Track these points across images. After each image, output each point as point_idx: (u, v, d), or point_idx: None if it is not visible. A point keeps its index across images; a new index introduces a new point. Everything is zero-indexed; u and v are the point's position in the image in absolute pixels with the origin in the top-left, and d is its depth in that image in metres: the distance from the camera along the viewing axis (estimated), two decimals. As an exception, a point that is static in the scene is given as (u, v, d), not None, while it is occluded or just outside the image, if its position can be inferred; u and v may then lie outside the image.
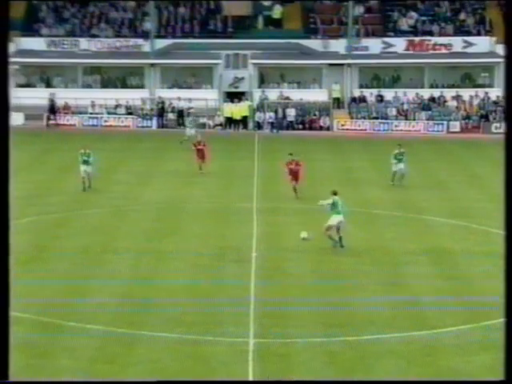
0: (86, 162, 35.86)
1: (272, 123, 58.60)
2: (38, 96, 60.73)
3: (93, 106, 60.55)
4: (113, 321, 21.53)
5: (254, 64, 62.35)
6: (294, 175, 36.38)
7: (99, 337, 20.65)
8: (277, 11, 66.29)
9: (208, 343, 20.15)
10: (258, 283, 24.57)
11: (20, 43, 64.09)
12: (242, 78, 62.90)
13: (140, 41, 64.38)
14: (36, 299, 23.06)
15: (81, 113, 60.80)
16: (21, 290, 23.68)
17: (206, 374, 18.32)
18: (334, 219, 27.79)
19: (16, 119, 59.65)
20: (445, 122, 58.14)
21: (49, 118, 60.12)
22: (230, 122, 59.61)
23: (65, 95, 61.23)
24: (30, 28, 65.99)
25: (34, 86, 63.77)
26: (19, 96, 62.23)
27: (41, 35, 65.42)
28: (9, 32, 8.14)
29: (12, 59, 63.50)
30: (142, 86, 63.44)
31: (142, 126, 59.68)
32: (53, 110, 60.28)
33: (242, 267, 26.28)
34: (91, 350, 19.75)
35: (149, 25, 64.75)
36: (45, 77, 64.58)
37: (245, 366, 18.57)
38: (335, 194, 28.58)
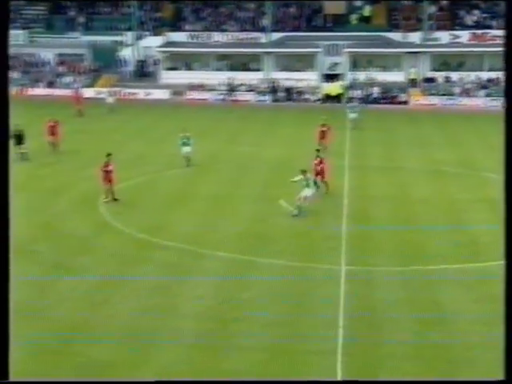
0: (185, 144, 33.14)
1: (361, 98, 58.16)
2: (181, 77, 62.08)
3: (221, 84, 61.32)
4: (236, 249, 21.79)
5: (348, 52, 62.07)
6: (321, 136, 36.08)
7: (226, 261, 20.93)
8: (366, 10, 66.37)
9: (309, 269, 20.21)
10: (348, 224, 24.48)
11: (169, 37, 65.61)
12: (338, 63, 62.89)
13: (258, 34, 65.03)
14: (180, 231, 23.54)
15: (212, 90, 61.39)
16: (168, 224, 24.29)
17: (308, 291, 18.40)
18: (308, 191, 25.10)
19: (164, 94, 60.90)
20: (500, 99, 56.46)
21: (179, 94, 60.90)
22: (327, 97, 59.76)
23: (201, 76, 62.29)
24: (176, 25, 67.34)
25: (179, 69, 64.65)
26: (167, 77, 63.47)
27: (184, 30, 66.76)
28: (9, 31, 7.45)
29: (163, 49, 64.97)
30: (259, 70, 63.77)
31: (259, 101, 60.04)
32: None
33: (336, 210, 26.18)
34: (220, 271, 20.05)
35: (265, 21, 65.41)
36: (187, 62, 65.39)
37: (337, 289, 18.58)
38: (304, 172, 25.36)
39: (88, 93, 59.14)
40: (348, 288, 18.53)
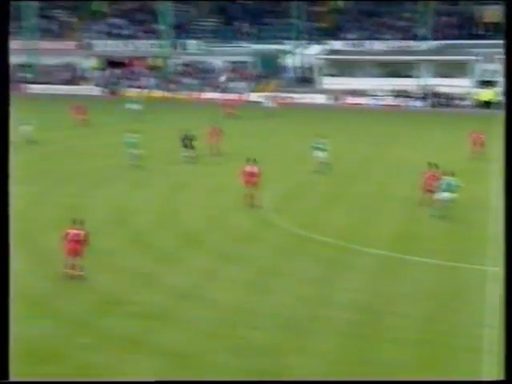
0: (319, 149, 31.25)
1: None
2: (339, 83, 62.15)
3: (377, 90, 60.64)
4: (388, 247, 21.48)
5: (501, 59, 59.28)
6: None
7: (379, 258, 20.68)
8: (523, 18, 62.72)
9: (459, 268, 19.58)
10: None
11: (329, 45, 66.01)
12: (491, 70, 60.40)
13: (415, 42, 64.01)
14: (334, 227, 23.53)
15: (369, 95, 60.82)
16: (324, 221, 24.34)
17: (458, 290, 17.83)
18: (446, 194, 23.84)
19: (323, 99, 61.11)
20: None
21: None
22: (480, 103, 57.59)
23: (359, 82, 61.93)
24: (335, 34, 67.49)
25: (338, 76, 64.60)
26: (326, 83, 63.64)
27: (344, 39, 66.81)
28: (9, 31, 6.58)
29: (323, 56, 65.26)
30: (414, 76, 62.44)
31: (412, 106, 58.88)
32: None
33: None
34: (373, 266, 19.85)
35: (422, 30, 64.18)
36: (345, 69, 65.23)
37: (484, 288, 17.86)
38: (451, 174, 23.97)
39: (251, 97, 60.43)
40: (494, 288, 17.74)
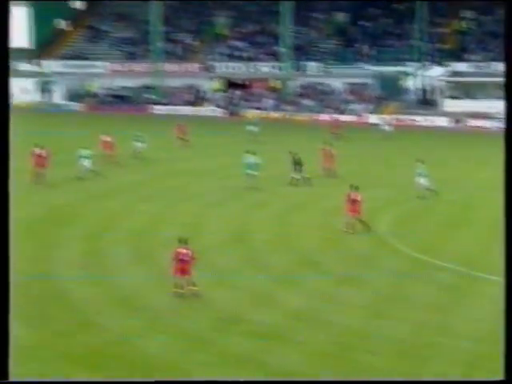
0: (420, 175, 30.66)
1: None
2: (462, 105, 60.69)
3: (500, 112, 58.38)
4: None
5: None
6: None
7: (500, 286, 19.76)
8: None
9: None
10: None
11: (452, 66, 64.66)
12: None
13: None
14: (454, 253, 22.78)
15: (494, 118, 58.84)
16: (443, 246, 23.64)
17: None
18: None
19: (444, 121, 59.58)
20: None
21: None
22: None
23: (483, 105, 60.24)
24: (460, 55, 66.10)
25: (460, 98, 63.00)
26: (449, 105, 62.17)
27: (468, 60, 65.31)
28: (9, 32, 5.75)
29: (445, 78, 63.93)
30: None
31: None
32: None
33: None
34: (497, 295, 19.01)
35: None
36: (469, 91, 63.57)
37: None
38: None
39: (370, 119, 59.91)
40: None
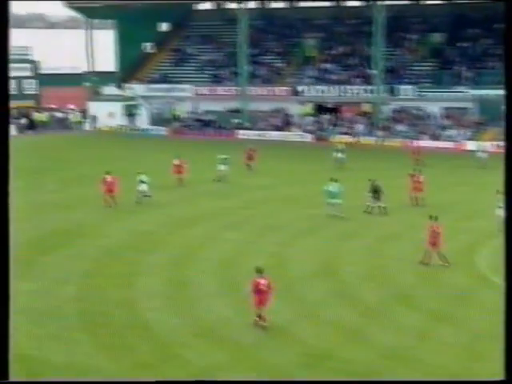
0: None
1: None
2: None
3: None
4: None
5: None
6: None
7: None
8: None
9: None
10: None
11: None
12: None
13: None
14: None
15: None
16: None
17: None
18: None
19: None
20: None
21: None
22: None
23: None
24: None
25: None
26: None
27: None
28: (9, 31, 6.68)
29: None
30: None
31: None
32: None
33: None
34: None
35: None
36: None
37: None
38: None
39: (469, 146, 58.72)
40: None
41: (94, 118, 77.02)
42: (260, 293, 18.63)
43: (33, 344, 17.75)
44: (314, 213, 33.50)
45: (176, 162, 41.48)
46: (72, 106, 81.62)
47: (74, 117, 79.21)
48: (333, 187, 32.75)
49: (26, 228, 28.92)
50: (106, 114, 76.00)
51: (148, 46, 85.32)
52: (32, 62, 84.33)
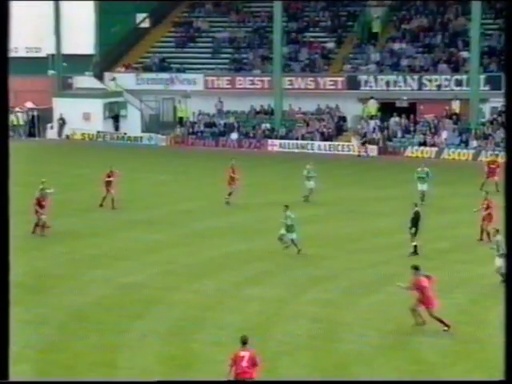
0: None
1: None
2: None
3: None
4: None
5: None
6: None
7: None
8: None
9: None
10: None
11: None
12: None
13: None
14: None
15: None
16: None
17: None
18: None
19: None
20: None
21: None
22: None
23: None
24: None
25: None
26: None
27: None
28: (9, 31, 8.20)
29: None
30: None
31: None
32: None
33: None
34: None
35: None
36: None
37: None
38: None
39: None
40: None
41: (62, 121, 77.24)
42: (240, 369, 19.06)
43: None
44: (379, 259, 33.31)
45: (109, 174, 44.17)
46: (30, 104, 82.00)
47: (15, 117, 78.01)
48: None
49: None
50: (80, 115, 76.28)
51: (140, 19, 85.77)
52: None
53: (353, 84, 71.71)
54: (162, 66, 79.44)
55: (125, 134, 75.87)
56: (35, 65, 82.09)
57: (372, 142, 67.81)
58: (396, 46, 74.41)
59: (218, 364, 22.68)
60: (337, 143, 68.59)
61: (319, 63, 75.33)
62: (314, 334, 25.00)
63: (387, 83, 70.71)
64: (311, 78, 73.15)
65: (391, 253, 32.76)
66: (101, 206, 43.33)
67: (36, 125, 79.31)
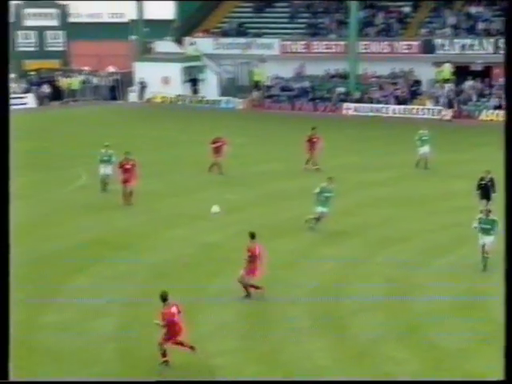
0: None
1: None
2: None
3: None
4: None
5: None
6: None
7: None
8: None
9: None
10: None
11: None
12: None
13: None
14: None
15: None
16: None
17: None
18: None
19: None
20: None
21: None
22: None
23: None
24: None
25: None
26: None
27: None
28: (8, 31, 8.71)
29: None
30: None
31: None
32: None
33: None
34: None
35: None
36: None
37: None
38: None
39: None
40: None
41: (143, 85, 77.90)
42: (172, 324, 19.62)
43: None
44: (453, 221, 33.04)
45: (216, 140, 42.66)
46: (112, 68, 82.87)
47: (72, 81, 78.80)
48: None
49: (52, 235, 30.01)
50: (160, 78, 76.77)
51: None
52: (58, 5, 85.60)
53: (428, 48, 70.99)
54: (240, 31, 79.50)
55: (203, 97, 76.26)
56: (117, 30, 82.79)
57: (444, 104, 67.23)
58: (473, 9, 73.39)
59: (295, 320, 22.87)
60: (411, 107, 68.08)
61: (395, 27, 74.69)
62: (387, 294, 24.97)
63: (462, 47, 69.82)
64: (386, 42, 72.59)
65: (464, 215, 32.47)
66: (209, 171, 42.64)
67: (119, 88, 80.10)
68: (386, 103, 69.09)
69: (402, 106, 68.11)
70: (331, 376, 19.20)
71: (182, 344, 19.92)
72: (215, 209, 26.19)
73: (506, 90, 8.52)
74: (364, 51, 71.90)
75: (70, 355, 20.57)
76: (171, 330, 19.67)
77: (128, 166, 35.79)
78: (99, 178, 38.14)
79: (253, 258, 24.47)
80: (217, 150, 42.01)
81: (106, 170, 37.83)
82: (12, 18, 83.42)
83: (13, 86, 73.94)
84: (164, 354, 19.67)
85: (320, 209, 31.95)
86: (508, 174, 8.45)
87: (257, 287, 24.67)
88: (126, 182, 35.83)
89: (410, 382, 14.82)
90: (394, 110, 67.97)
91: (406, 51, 71.51)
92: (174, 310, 19.82)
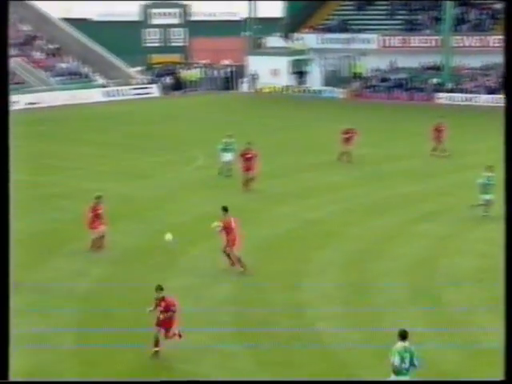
0: None
1: None
2: None
3: None
4: None
5: None
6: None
7: None
8: None
9: None
10: None
11: None
12: None
13: None
14: None
15: None
16: None
17: None
18: None
19: None
20: None
21: None
22: None
23: None
24: None
25: None
26: None
27: None
28: (8, 31, 8.47)
29: None
30: None
31: None
32: None
33: None
34: None
35: None
36: None
37: None
38: None
39: None
40: None
41: (255, 77, 78.23)
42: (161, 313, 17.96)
43: (181, 356, 18.18)
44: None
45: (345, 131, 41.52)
46: (227, 61, 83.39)
47: (191, 73, 79.43)
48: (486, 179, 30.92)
49: (178, 211, 31.03)
50: (269, 71, 76.98)
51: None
52: (180, 5, 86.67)
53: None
54: (342, 28, 79.15)
55: (308, 87, 76.34)
56: (232, 27, 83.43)
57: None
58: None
59: (393, 291, 22.55)
60: (501, 96, 66.64)
61: (487, 23, 73.22)
62: (478, 268, 24.46)
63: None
64: (478, 37, 71.38)
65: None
66: (338, 159, 41.28)
67: (232, 79, 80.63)
68: (478, 93, 68.09)
69: (493, 96, 66.86)
70: (429, 342, 18.83)
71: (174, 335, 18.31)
72: (169, 237, 24.68)
73: (506, 90, 8.12)
74: (457, 45, 70.87)
75: (192, 317, 20.59)
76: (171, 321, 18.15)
77: (249, 156, 35.51)
78: (221, 165, 38.00)
79: (229, 231, 24.01)
80: (347, 140, 41.27)
81: (228, 157, 37.76)
82: (140, 17, 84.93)
83: (140, 78, 75.29)
84: (157, 344, 18.01)
85: (486, 196, 30.96)
86: (508, 174, 8.41)
87: (234, 264, 24.19)
88: (247, 170, 35.55)
89: (410, 382, 14.29)
90: (485, 99, 66.82)
91: (498, 45, 70.01)
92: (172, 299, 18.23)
